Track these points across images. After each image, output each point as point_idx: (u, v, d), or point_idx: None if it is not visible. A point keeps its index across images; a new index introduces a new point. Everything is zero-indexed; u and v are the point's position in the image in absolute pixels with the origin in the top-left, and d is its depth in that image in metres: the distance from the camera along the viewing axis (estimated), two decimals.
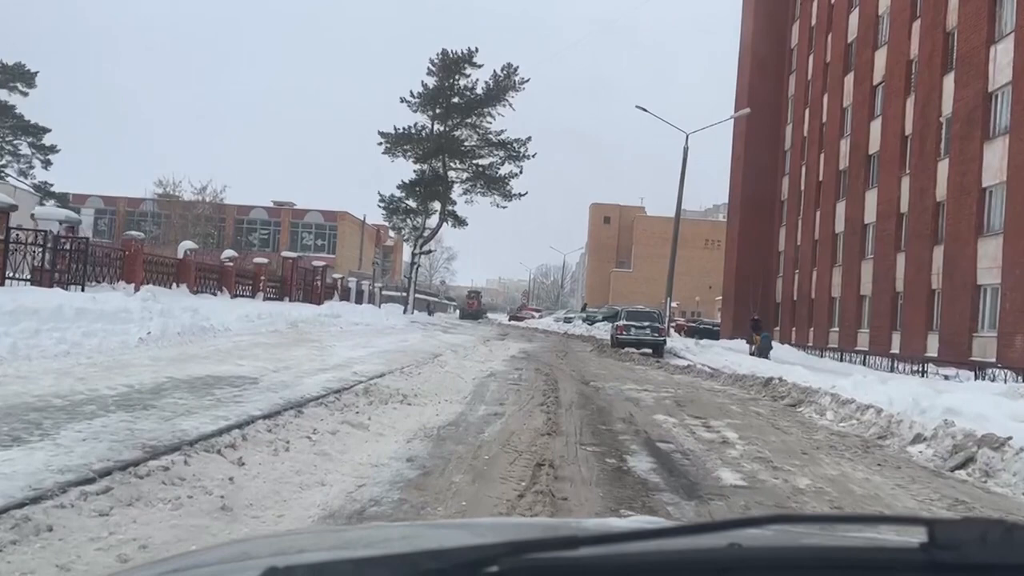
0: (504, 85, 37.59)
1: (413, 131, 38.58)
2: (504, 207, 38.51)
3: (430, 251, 41.19)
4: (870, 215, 32.55)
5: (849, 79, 35.68)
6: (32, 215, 16.87)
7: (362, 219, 73.19)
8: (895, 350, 29.06)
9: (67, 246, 16.10)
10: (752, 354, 23.82)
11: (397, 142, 38.77)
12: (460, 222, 39.30)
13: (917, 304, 28.14)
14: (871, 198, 32.57)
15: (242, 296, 25.48)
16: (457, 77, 37.91)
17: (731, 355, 22.95)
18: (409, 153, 38.27)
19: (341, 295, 35.23)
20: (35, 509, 3.71)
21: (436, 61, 37.57)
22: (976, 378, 20.65)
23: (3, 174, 45.08)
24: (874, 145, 32.65)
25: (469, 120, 38.18)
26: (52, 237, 15.68)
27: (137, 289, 18.58)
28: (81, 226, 19.88)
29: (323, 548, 1.19)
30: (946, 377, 22.29)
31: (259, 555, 1.10)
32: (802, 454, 7.97)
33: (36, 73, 45.88)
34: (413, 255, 39.42)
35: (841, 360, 28.90)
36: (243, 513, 4.42)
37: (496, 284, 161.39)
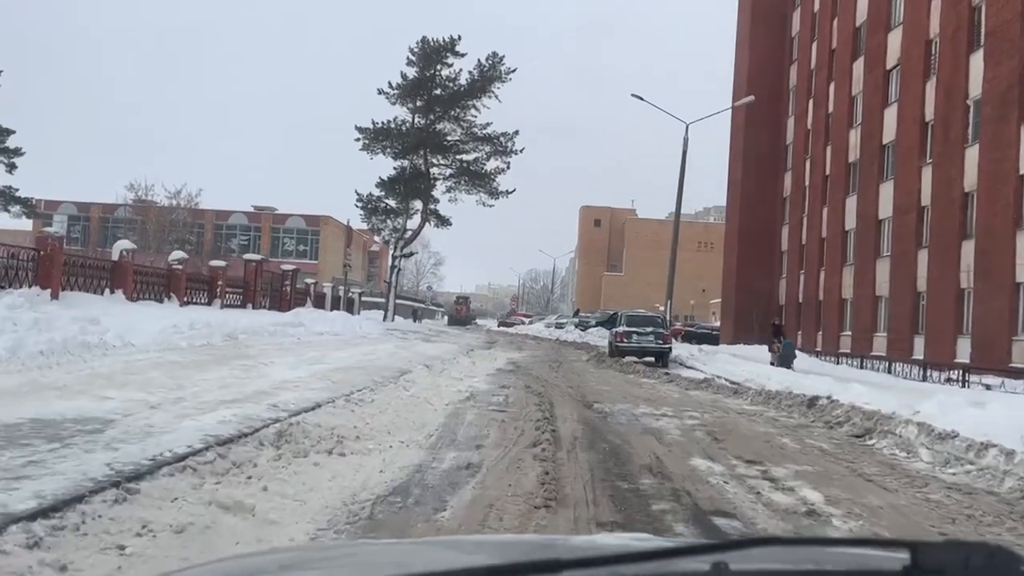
0: (489, 75, 34.74)
1: (392, 126, 35.67)
2: (491, 205, 35.70)
3: (412, 254, 38.27)
4: (886, 209, 29.84)
5: (859, 65, 33.02)
6: None
7: (346, 223, 70.11)
8: (918, 355, 26.30)
9: None
10: (773, 363, 21.00)
11: (376, 138, 35.83)
12: (443, 222, 36.35)
13: (943, 305, 25.40)
14: (886, 191, 29.86)
15: (196, 303, 22.49)
16: (439, 67, 35.04)
17: (747, 365, 20.10)
18: (388, 149, 35.33)
19: (315, 302, 32.25)
20: None
21: (416, 50, 34.70)
22: None
23: None
24: (889, 134, 29.96)
25: (452, 113, 35.29)
26: None
27: (55, 295, 15.58)
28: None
29: (310, 566, 1.20)
30: (987, 387, 19.54)
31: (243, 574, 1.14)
32: (940, 536, 5.08)
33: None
34: (393, 258, 36.40)
35: (862, 367, 26.11)
36: None
37: (486, 290, 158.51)
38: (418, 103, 35.64)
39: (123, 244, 18.93)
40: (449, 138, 35.42)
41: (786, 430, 9.79)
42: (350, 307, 38.92)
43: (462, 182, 35.55)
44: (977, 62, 24.44)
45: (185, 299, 21.81)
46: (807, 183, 38.03)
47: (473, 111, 35.52)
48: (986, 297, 23.02)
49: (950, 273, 25.05)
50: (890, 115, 29.97)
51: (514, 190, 35.37)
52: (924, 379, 21.88)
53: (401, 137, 34.52)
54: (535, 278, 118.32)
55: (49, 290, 15.35)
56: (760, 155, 41.26)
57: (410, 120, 35.66)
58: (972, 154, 24.48)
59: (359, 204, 36.11)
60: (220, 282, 23.22)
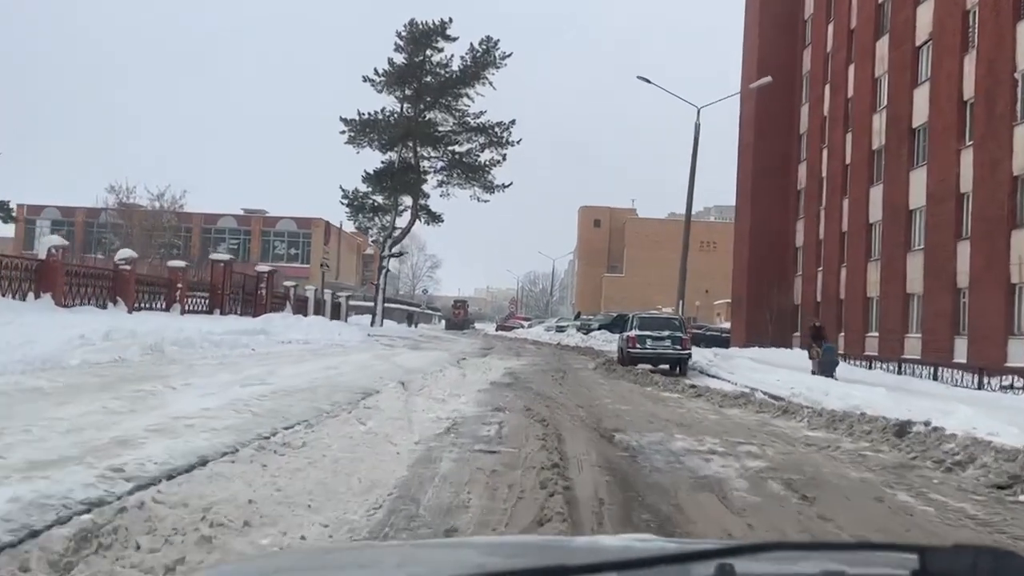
0: (483, 61, 31.92)
1: (380, 117, 32.83)
2: (486, 200, 32.85)
3: (402, 253, 35.44)
4: (917, 198, 27.03)
5: (883, 44, 30.24)
6: None
7: (337, 224, 67.40)
8: (960, 358, 23.50)
9: None
10: (813, 371, 18.14)
11: (362, 130, 33.00)
12: (435, 218, 33.49)
13: (990, 302, 22.57)
14: (918, 178, 27.06)
15: (151, 309, 19.65)
16: (429, 52, 32.22)
17: (780, 373, 17.27)
18: (376, 142, 32.51)
19: (296, 306, 29.40)
20: None
21: (404, 34, 31.89)
22: None
23: None
24: (920, 116, 27.17)
25: (443, 101, 32.46)
26: None
27: None
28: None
29: (312, 568, 1.20)
30: None
31: None
32: None
33: None
34: (382, 258, 33.54)
35: (900, 372, 23.29)
36: None
37: (484, 293, 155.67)
38: (407, 91, 32.82)
39: (52, 240, 16.10)
40: (440, 128, 32.60)
41: (890, 476, 6.93)
42: (336, 312, 36.09)
43: (454, 175, 32.71)
44: None
45: (137, 304, 18.97)
46: (824, 174, 35.23)
47: (466, 100, 32.75)
48: None
49: (998, 266, 22.24)
50: (921, 95, 27.18)
51: (511, 184, 32.64)
52: (980, 387, 19.05)
53: (388, 128, 31.70)
54: (534, 281, 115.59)
55: None
56: (772, 147, 38.49)
57: (399, 110, 32.84)
58: (1022, 133, 21.70)
59: (344, 201, 33.33)
60: (180, 285, 20.38)
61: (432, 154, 32.96)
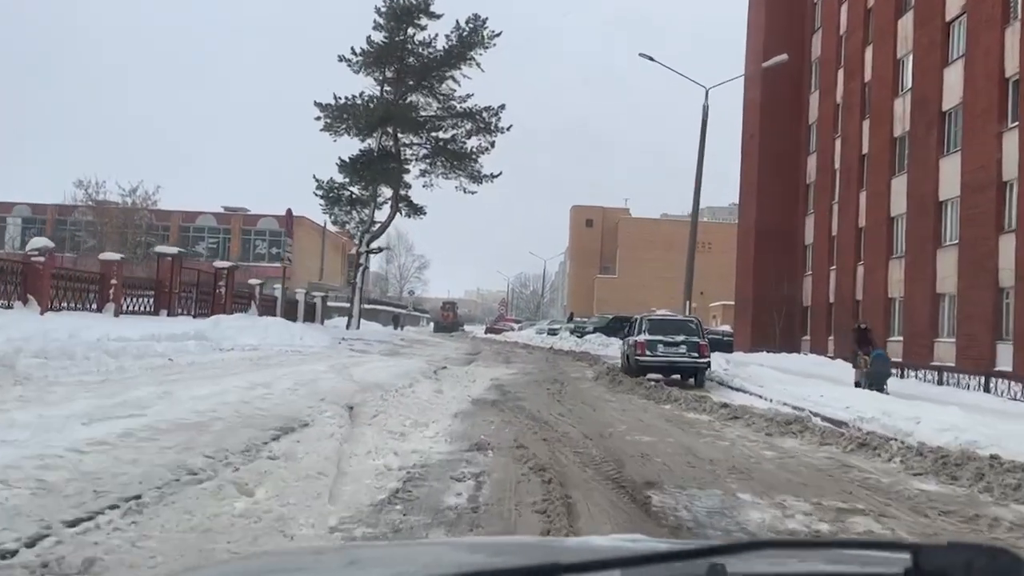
0: (469, 40, 28.93)
1: (360, 101, 29.76)
2: (473, 192, 29.78)
3: (380, 249, 32.43)
4: (949, 189, 24.18)
5: (906, 22, 27.43)
6: None
7: (323, 225, 64.24)
8: (1003, 366, 20.66)
9: None
10: (859, 383, 15.19)
11: (339, 115, 29.94)
12: (416, 210, 30.41)
13: None
14: (950, 167, 24.22)
15: (77, 309, 16.53)
16: (411, 30, 29.18)
17: (819, 386, 14.31)
18: (352, 128, 29.44)
19: (262, 307, 26.31)
20: None
21: (384, 9, 28.84)
22: None
23: None
24: (952, 97, 24.33)
25: (426, 84, 29.42)
26: None
27: None
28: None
29: (303, 569, 1.18)
30: None
31: None
32: None
33: None
34: (359, 254, 30.44)
35: (940, 383, 20.44)
36: None
37: (475, 295, 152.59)
38: (387, 73, 29.78)
39: None
40: (423, 113, 29.54)
41: None
42: (311, 313, 33.00)
43: (438, 164, 29.64)
44: None
45: (57, 304, 15.86)
46: (837, 166, 32.41)
47: (451, 82, 29.72)
48: None
49: None
50: (953, 75, 24.35)
51: (499, 173, 29.61)
52: None
53: (366, 112, 28.64)
54: (524, 283, 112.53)
55: None
56: (778, 138, 35.68)
57: (378, 93, 29.77)
58: None
59: (318, 192, 30.24)
60: (115, 281, 17.29)
61: (414, 141, 29.92)
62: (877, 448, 8.20)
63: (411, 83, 29.51)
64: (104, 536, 3.47)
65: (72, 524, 3.48)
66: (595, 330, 39.70)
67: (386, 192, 30.86)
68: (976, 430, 8.43)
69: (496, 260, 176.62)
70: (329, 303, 47.97)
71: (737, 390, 15.30)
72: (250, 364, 12.24)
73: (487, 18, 29.00)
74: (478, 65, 29.07)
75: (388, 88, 29.93)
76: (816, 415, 10.79)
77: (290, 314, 30.47)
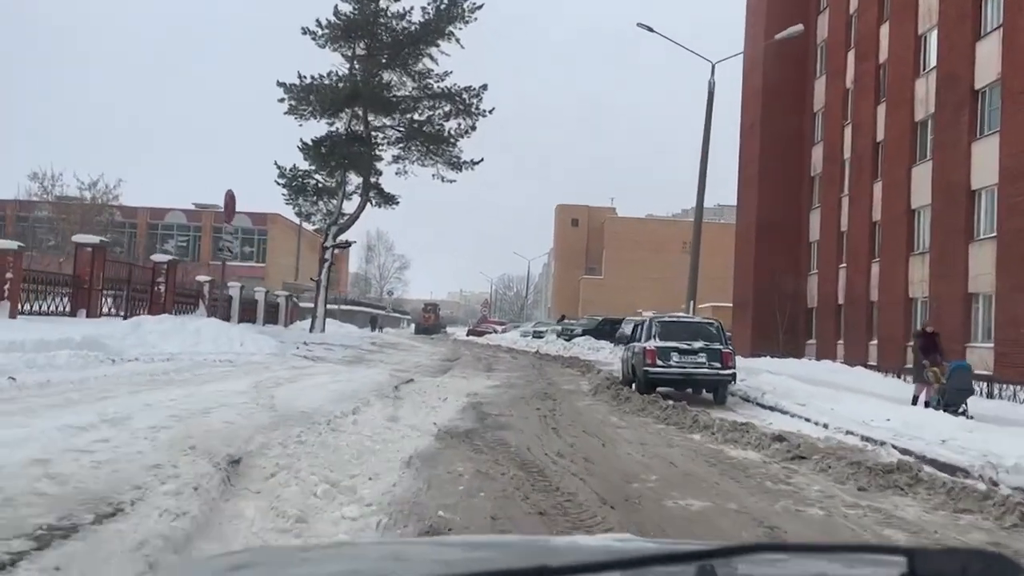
0: (447, 14, 25.81)
1: (328, 82, 26.52)
2: (451, 180, 26.58)
3: (348, 243, 29.17)
4: (984, 175, 21.35)
5: None
6: None
7: (299, 223, 60.84)
8: None
9: None
10: (930, 402, 12.10)
11: (304, 96, 26.69)
12: (388, 200, 27.17)
13: None
14: (985, 151, 21.39)
15: None
16: (383, 1, 25.96)
17: (877, 405, 11.32)
18: (317, 109, 26.19)
19: (212, 308, 23.07)
20: None
21: None
22: None
23: None
24: (986, 74, 21.52)
25: (400, 61, 26.17)
26: None
27: None
28: None
29: (293, 566, 1.16)
30: None
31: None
32: None
33: None
34: (323, 248, 27.17)
35: (990, 395, 17.55)
36: None
37: (457, 297, 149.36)
38: (357, 50, 26.56)
39: None
40: (397, 93, 26.33)
41: None
42: (274, 314, 29.74)
43: (413, 148, 26.45)
44: None
45: None
46: (847, 155, 29.60)
47: (428, 60, 26.56)
48: None
49: None
50: (987, 49, 21.55)
51: (481, 160, 26.42)
52: None
53: (332, 92, 25.40)
54: (508, 284, 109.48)
55: None
56: (780, 128, 32.88)
57: (347, 70, 26.53)
58: None
59: (280, 181, 26.94)
60: (10, 275, 14.02)
61: (386, 123, 26.70)
62: None
63: (384, 60, 26.30)
64: None
65: None
66: (584, 333, 36.77)
67: (356, 181, 27.58)
68: None
69: (479, 261, 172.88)
70: (305, 304, 44.67)
71: (770, 409, 12.28)
72: (140, 383, 9.03)
73: None
74: (457, 41, 25.95)
75: (358, 66, 26.70)
76: (912, 454, 7.76)
77: (249, 315, 27.24)
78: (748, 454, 8.07)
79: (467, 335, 57.33)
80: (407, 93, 26.28)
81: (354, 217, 26.90)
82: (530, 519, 4.92)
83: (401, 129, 26.59)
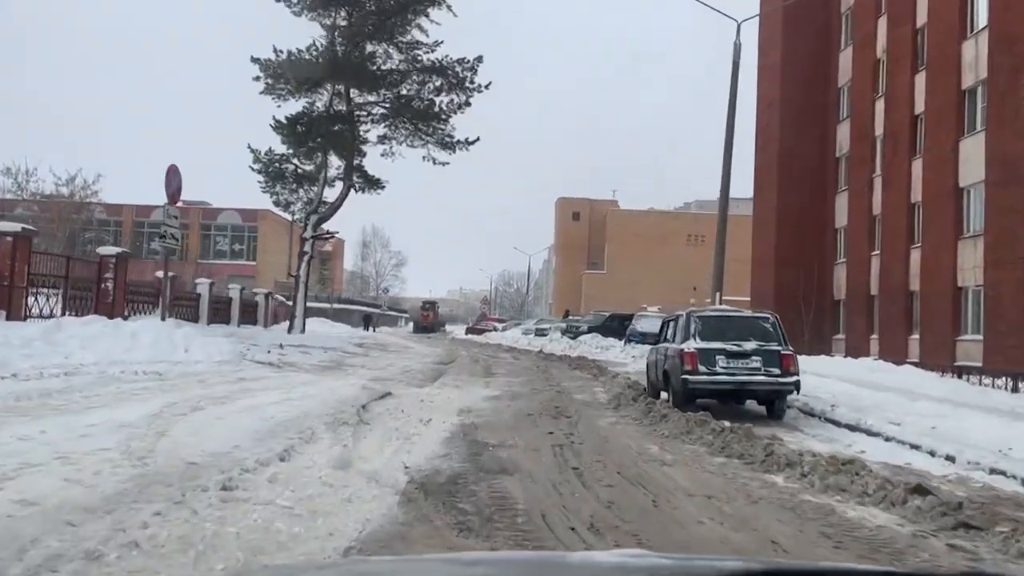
0: None
1: (308, 56, 23.68)
2: (444, 163, 23.71)
3: (330, 235, 26.38)
4: None
5: None
6: None
7: (290, 219, 58.05)
8: None
9: None
10: None
11: (280, 74, 23.85)
12: (373, 184, 24.28)
13: None
14: None
15: None
16: None
17: (1001, 423, 8.55)
18: (294, 85, 23.35)
19: (174, 307, 20.27)
20: None
21: None
22: None
23: None
24: None
25: (386, 30, 23.27)
26: None
27: None
28: None
29: None
30: None
31: None
32: None
33: None
34: (303, 240, 24.32)
35: None
36: None
37: (457, 295, 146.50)
38: (339, 19, 23.71)
39: None
40: (383, 66, 23.43)
41: None
42: (251, 314, 26.94)
43: (400, 127, 23.58)
44: None
45: None
46: (879, 132, 26.79)
47: (418, 31, 23.70)
48: None
49: None
50: None
51: (477, 139, 23.48)
52: None
53: (310, 66, 22.54)
54: (508, 281, 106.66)
55: None
56: (801, 105, 30.16)
57: (327, 43, 23.65)
58: None
59: (255, 167, 24.10)
60: None
61: (371, 100, 23.85)
62: None
63: (368, 30, 23.42)
64: None
65: None
66: (590, 330, 33.99)
67: (339, 168, 24.70)
68: None
69: (479, 258, 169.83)
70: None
71: (849, 428, 9.45)
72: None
73: None
74: (449, 8, 23.08)
75: (340, 38, 23.83)
76: None
77: (222, 316, 24.44)
78: (877, 515, 5.26)
79: (466, 333, 54.54)
80: (394, 67, 23.42)
81: (336, 205, 24.05)
82: None
83: (387, 105, 23.72)
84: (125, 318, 15.83)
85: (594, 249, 76.54)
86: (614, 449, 7.80)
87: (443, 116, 22.98)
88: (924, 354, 23.16)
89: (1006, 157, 19.81)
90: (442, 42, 23.02)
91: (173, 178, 14.44)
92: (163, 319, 15.26)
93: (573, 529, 4.66)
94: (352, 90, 23.48)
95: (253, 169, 24.02)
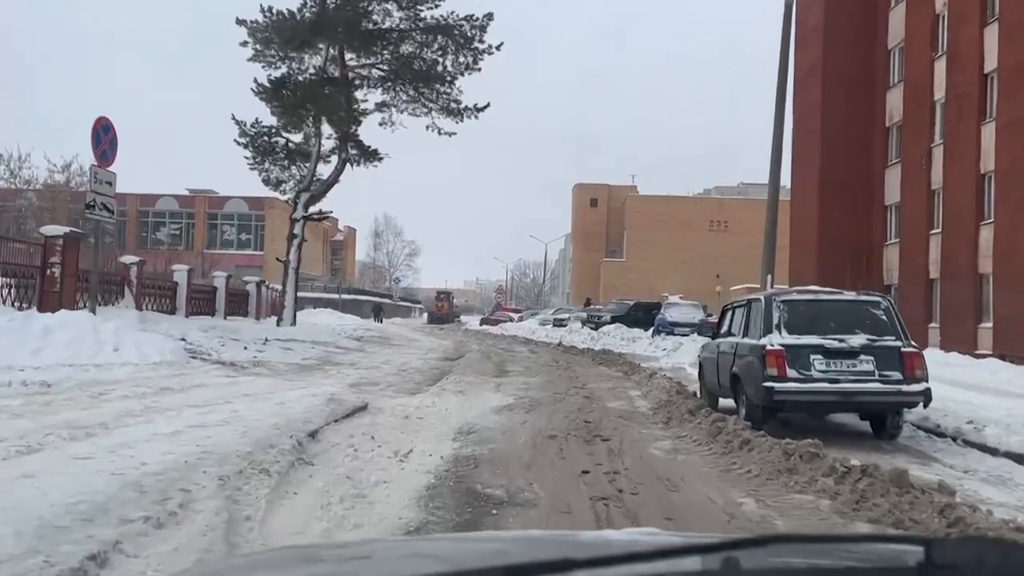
0: None
1: (297, 14, 20.87)
2: (451, 133, 20.82)
3: (324, 215, 23.67)
4: None
5: None
6: None
7: (283, 198, 55.26)
8: None
9: None
10: None
11: (270, 38, 21.07)
12: (370, 156, 21.40)
13: None
14: None
15: None
16: None
17: None
18: (282, 50, 20.55)
19: (142, 296, 17.64)
20: None
21: None
22: None
23: None
24: None
25: None
26: None
27: None
28: None
29: (319, 564, 1.15)
30: None
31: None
32: None
33: None
34: (292, 221, 21.53)
35: None
36: None
37: (473, 285, 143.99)
38: None
39: None
40: (381, 25, 20.50)
41: None
42: (241, 306, 24.31)
43: (399, 90, 20.69)
44: None
45: None
46: (939, 96, 23.62)
47: None
48: None
49: None
50: None
51: (487, 105, 20.54)
52: None
53: (296, 23, 19.68)
54: (524, 271, 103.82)
55: None
56: (845, 70, 27.07)
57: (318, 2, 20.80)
58: None
59: (241, 141, 21.35)
60: None
61: (367, 62, 20.99)
62: None
63: None
64: None
65: None
66: (613, 320, 31.11)
67: (331, 138, 21.89)
68: None
69: (495, 248, 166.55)
70: (301, 293, 39.22)
71: (1017, 459, 6.53)
72: None
73: None
74: None
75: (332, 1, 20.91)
76: None
77: (206, 307, 21.80)
78: None
79: (480, 324, 51.79)
80: (393, 25, 20.54)
81: (330, 181, 21.24)
82: None
83: (384, 68, 20.84)
84: (92, 311, 13.06)
85: (613, 236, 73.46)
86: (688, 505, 4.96)
87: (447, 78, 20.09)
88: (998, 344, 20.13)
89: None
90: None
91: (102, 134, 11.66)
92: (93, 312, 12.53)
93: None
94: (347, 53, 20.61)
95: (239, 143, 21.31)
